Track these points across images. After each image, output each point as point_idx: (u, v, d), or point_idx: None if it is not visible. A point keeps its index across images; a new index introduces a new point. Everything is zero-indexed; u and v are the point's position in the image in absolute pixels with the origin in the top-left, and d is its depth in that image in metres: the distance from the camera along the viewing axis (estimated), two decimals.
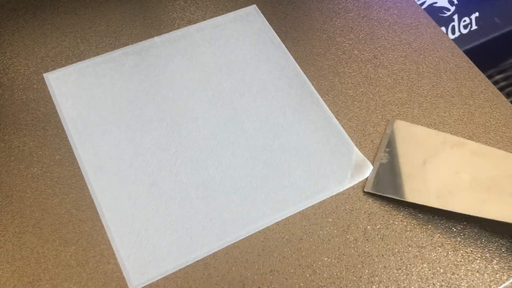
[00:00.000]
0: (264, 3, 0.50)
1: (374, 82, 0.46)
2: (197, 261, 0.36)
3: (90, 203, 0.38)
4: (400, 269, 0.36)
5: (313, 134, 0.42)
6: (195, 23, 0.49)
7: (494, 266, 0.36)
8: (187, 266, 0.36)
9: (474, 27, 0.69)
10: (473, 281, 0.36)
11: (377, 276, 0.36)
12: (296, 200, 0.39)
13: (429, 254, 0.37)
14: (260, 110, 0.43)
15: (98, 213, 0.37)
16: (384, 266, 0.36)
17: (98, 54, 0.46)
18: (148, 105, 0.43)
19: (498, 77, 0.76)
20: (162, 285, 0.35)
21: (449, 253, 0.37)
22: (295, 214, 0.38)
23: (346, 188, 0.39)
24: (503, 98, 0.45)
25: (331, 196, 0.39)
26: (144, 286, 0.35)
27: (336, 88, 0.45)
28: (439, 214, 0.38)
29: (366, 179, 0.40)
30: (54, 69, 0.45)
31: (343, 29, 0.49)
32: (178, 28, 0.48)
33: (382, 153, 0.41)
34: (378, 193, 0.39)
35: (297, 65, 0.46)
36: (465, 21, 0.69)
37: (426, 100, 0.45)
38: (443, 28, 0.68)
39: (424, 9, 0.51)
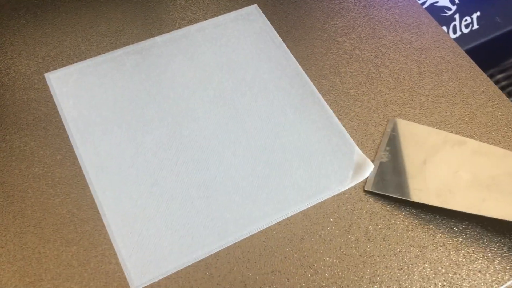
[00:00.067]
0: (265, 2, 0.50)
1: (376, 82, 0.45)
2: (199, 261, 0.36)
3: (92, 203, 0.38)
4: (401, 269, 0.36)
5: (314, 134, 0.42)
6: (196, 22, 0.48)
7: (496, 266, 0.36)
8: (189, 266, 0.36)
9: (476, 26, 0.69)
10: (475, 281, 0.36)
11: (378, 276, 0.36)
12: (298, 200, 0.39)
13: (430, 254, 0.37)
14: (261, 110, 0.43)
15: (99, 213, 0.37)
16: (386, 266, 0.36)
17: (99, 54, 0.46)
18: (149, 104, 0.43)
19: (499, 76, 0.76)
20: (163, 285, 0.35)
21: (451, 253, 0.37)
22: (296, 214, 0.38)
23: (347, 188, 0.39)
24: (505, 97, 0.45)
25: (332, 196, 0.39)
26: (146, 286, 0.35)
27: (338, 87, 0.45)
28: (440, 214, 0.38)
29: (367, 178, 0.40)
30: (55, 68, 0.45)
31: (344, 28, 0.49)
32: (179, 27, 0.48)
33: (382, 152, 0.41)
34: (378, 192, 0.39)
35: (298, 64, 0.46)
36: (466, 20, 0.69)
37: (428, 99, 0.45)
38: (444, 28, 0.68)
39: (425, 8, 0.51)
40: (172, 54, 0.46)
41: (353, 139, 0.42)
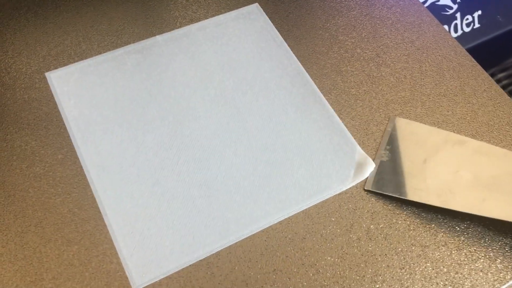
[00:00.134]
0: (266, 1, 0.50)
1: (377, 81, 0.45)
2: (200, 260, 0.36)
3: (93, 202, 0.38)
4: (403, 268, 0.36)
5: (316, 133, 0.42)
6: (197, 21, 0.48)
7: (498, 265, 0.36)
8: (190, 265, 0.36)
9: (477, 25, 0.69)
10: (476, 280, 0.36)
11: (380, 275, 0.36)
12: (299, 199, 0.39)
13: (432, 253, 0.37)
14: (262, 109, 0.43)
15: (100, 212, 0.37)
16: (388, 265, 0.36)
17: (100, 53, 0.46)
18: (150, 104, 0.43)
19: (500, 75, 0.76)
20: (164, 284, 0.35)
21: (453, 252, 0.37)
22: (298, 213, 0.38)
23: (349, 187, 0.39)
24: (506, 96, 0.45)
25: (334, 195, 0.39)
26: (147, 286, 0.35)
27: (339, 86, 0.45)
28: (442, 213, 0.38)
29: (367, 177, 0.40)
30: (56, 68, 0.45)
31: (345, 27, 0.49)
32: (180, 26, 0.48)
33: (383, 150, 0.41)
34: (378, 191, 0.39)
35: (299, 63, 0.46)
36: (467, 19, 0.68)
37: (429, 98, 0.44)
38: (446, 27, 0.68)
39: (427, 7, 0.51)
40: (173, 53, 0.46)
41: (354, 138, 0.42)
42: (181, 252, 0.36)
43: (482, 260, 0.36)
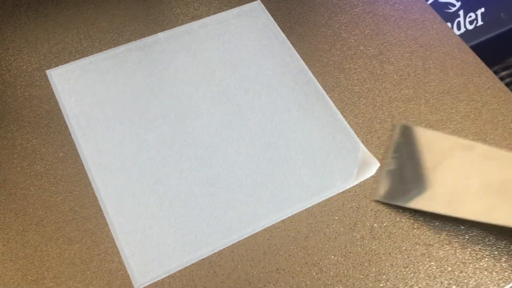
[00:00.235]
0: None
1: (380, 79, 0.45)
2: (202, 259, 0.36)
3: (94, 201, 0.37)
4: (407, 267, 0.36)
5: (319, 131, 0.42)
6: (198, 19, 0.48)
7: (503, 264, 0.36)
8: (192, 264, 0.35)
9: (480, 22, 0.68)
10: (481, 279, 0.35)
11: (384, 274, 0.35)
12: (302, 197, 0.38)
13: (436, 252, 0.36)
14: (264, 107, 0.43)
15: (102, 211, 0.37)
16: (391, 264, 0.36)
17: (101, 51, 0.45)
18: (152, 101, 0.42)
19: (503, 73, 0.76)
20: (167, 283, 0.35)
21: (457, 251, 0.36)
22: (301, 211, 0.38)
23: (352, 185, 0.39)
24: (511, 94, 0.45)
25: (337, 194, 0.39)
26: (149, 285, 0.34)
27: (342, 84, 0.44)
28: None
29: (377, 187, 0.39)
30: (57, 65, 0.44)
31: (348, 24, 0.49)
32: (182, 24, 0.48)
33: (390, 159, 0.40)
34: (387, 202, 0.38)
35: (302, 61, 0.46)
36: (470, 16, 0.68)
37: (433, 96, 0.44)
38: (449, 24, 0.67)
39: (429, 4, 0.50)
40: (174, 50, 0.46)
41: (357, 136, 0.41)
42: (183, 251, 0.36)
43: (487, 259, 0.36)
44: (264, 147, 0.41)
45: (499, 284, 0.35)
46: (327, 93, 0.44)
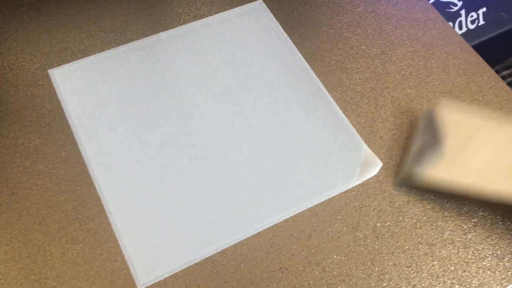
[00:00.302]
0: None
1: (382, 78, 0.45)
2: (205, 258, 0.36)
3: (97, 200, 0.37)
4: (410, 266, 0.36)
5: (321, 131, 0.42)
6: (201, 18, 0.48)
7: (506, 264, 0.36)
8: (195, 263, 0.35)
9: (482, 22, 0.68)
10: (484, 278, 0.35)
11: (387, 273, 0.35)
12: (304, 197, 0.38)
13: (439, 252, 0.36)
14: (267, 107, 0.43)
15: (104, 210, 0.37)
16: (394, 264, 0.36)
17: (103, 50, 0.45)
18: (154, 101, 0.42)
19: (504, 72, 0.76)
20: (170, 282, 0.35)
21: (460, 250, 0.36)
22: (303, 211, 0.38)
23: (355, 185, 0.39)
24: None
25: (339, 193, 0.39)
26: (152, 284, 0.34)
27: (344, 83, 0.44)
28: (449, 211, 0.38)
29: (400, 170, 0.38)
30: (59, 65, 0.44)
31: (350, 24, 0.49)
32: (184, 23, 0.48)
33: (418, 138, 0.39)
34: (413, 183, 0.37)
35: (304, 60, 0.46)
36: (472, 16, 0.68)
37: (435, 96, 0.44)
38: (450, 24, 0.67)
39: (431, 4, 0.50)
40: (176, 50, 0.46)
41: (360, 135, 0.41)
42: (186, 250, 0.36)
43: (489, 258, 0.36)
44: (266, 146, 0.41)
45: (502, 284, 0.35)
46: (329, 93, 0.44)
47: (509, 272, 0.36)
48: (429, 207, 0.38)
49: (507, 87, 0.45)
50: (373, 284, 0.35)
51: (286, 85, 0.44)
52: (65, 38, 0.46)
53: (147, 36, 0.46)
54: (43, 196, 0.37)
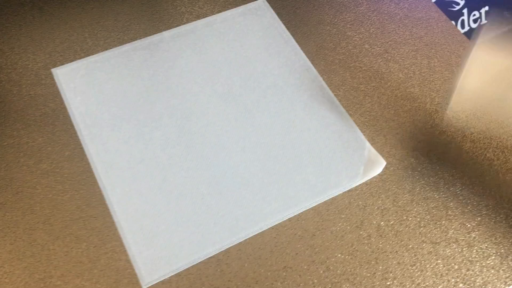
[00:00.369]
0: None
1: (386, 77, 0.45)
2: (210, 257, 0.36)
3: (101, 199, 0.37)
4: (414, 265, 0.36)
5: (325, 130, 0.42)
6: (203, 17, 0.48)
7: (510, 263, 0.36)
8: (199, 262, 0.35)
9: (484, 21, 0.68)
10: (488, 277, 0.35)
11: (391, 272, 0.35)
12: (308, 196, 0.38)
13: (443, 250, 0.36)
14: (270, 106, 0.43)
15: (109, 209, 0.37)
16: (398, 262, 0.36)
17: (106, 49, 0.45)
18: (158, 100, 0.42)
19: None
20: (174, 281, 0.35)
21: (464, 249, 0.36)
22: (307, 210, 0.38)
23: (358, 184, 0.39)
24: None
25: (343, 192, 0.39)
26: (156, 283, 0.34)
27: (347, 82, 0.44)
28: (452, 209, 0.38)
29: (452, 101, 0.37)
30: (62, 64, 0.44)
31: (353, 23, 0.49)
32: (187, 22, 0.48)
33: (459, 80, 0.38)
34: (464, 118, 0.37)
35: (307, 59, 0.46)
36: (474, 15, 0.68)
37: (438, 94, 0.44)
38: (453, 23, 0.67)
39: (434, 2, 0.50)
40: (180, 49, 0.46)
41: (363, 134, 0.41)
42: (190, 249, 0.36)
43: (493, 257, 0.36)
44: (270, 145, 0.41)
45: (506, 282, 0.35)
46: (332, 92, 0.44)
47: None
48: (432, 205, 0.38)
49: None
50: (377, 283, 0.35)
51: (290, 84, 0.44)
52: (68, 37, 0.46)
53: (150, 35, 0.46)
54: (47, 195, 0.37)
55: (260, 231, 0.37)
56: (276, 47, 0.46)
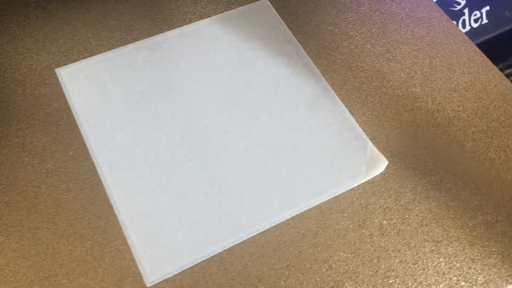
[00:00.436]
0: None
1: (387, 76, 0.45)
2: (213, 256, 0.36)
3: (105, 198, 0.38)
4: (416, 263, 0.36)
5: (327, 129, 0.42)
6: (206, 17, 0.48)
7: (511, 261, 0.36)
8: (203, 261, 0.36)
9: (485, 21, 0.68)
10: (490, 275, 0.36)
11: (393, 270, 0.36)
12: (310, 195, 0.39)
13: (445, 249, 0.37)
14: (272, 105, 0.43)
15: (113, 208, 0.37)
16: (400, 261, 0.36)
17: (110, 49, 0.46)
18: (161, 100, 0.43)
19: (507, 71, 0.76)
20: (178, 280, 0.35)
21: (466, 247, 0.37)
22: (310, 209, 0.38)
23: (360, 183, 0.39)
24: None
25: (345, 191, 0.39)
26: (160, 281, 0.35)
27: (349, 82, 0.45)
28: (454, 208, 0.38)
29: None
30: (66, 64, 0.44)
31: (355, 23, 0.49)
32: (190, 22, 0.48)
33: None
34: None
35: (309, 59, 0.46)
36: (475, 15, 0.68)
37: (440, 94, 0.44)
38: (454, 22, 0.67)
39: (435, 2, 0.51)
40: (183, 49, 0.46)
41: (365, 134, 0.42)
42: (194, 248, 0.36)
43: (495, 255, 0.36)
44: (272, 145, 0.41)
45: (507, 280, 0.35)
46: (334, 91, 0.44)
47: None
48: (434, 204, 0.38)
49: None
50: (380, 281, 0.35)
51: (292, 84, 0.44)
52: (71, 37, 0.46)
53: (153, 35, 0.47)
54: (52, 195, 0.38)
55: (263, 229, 0.37)
56: (278, 47, 0.47)
